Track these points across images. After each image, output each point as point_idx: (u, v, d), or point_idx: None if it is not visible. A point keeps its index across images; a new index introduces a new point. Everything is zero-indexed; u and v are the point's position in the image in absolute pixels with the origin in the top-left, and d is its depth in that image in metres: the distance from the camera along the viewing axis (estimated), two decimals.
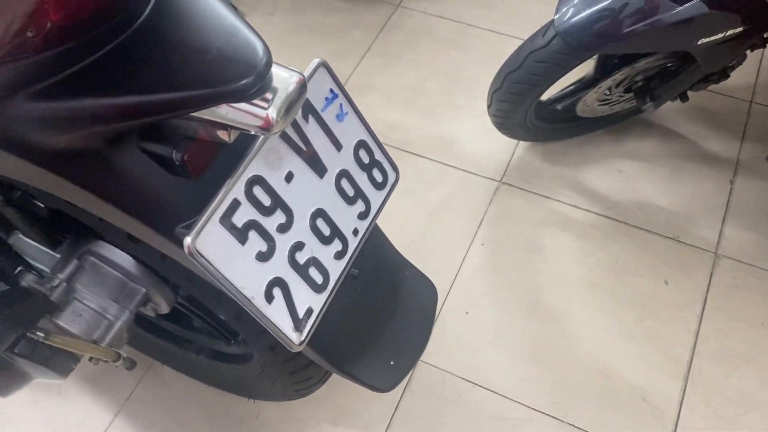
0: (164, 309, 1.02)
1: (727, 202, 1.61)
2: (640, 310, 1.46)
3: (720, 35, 1.26)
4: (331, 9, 2.12)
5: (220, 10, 0.63)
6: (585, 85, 1.53)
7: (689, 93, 1.59)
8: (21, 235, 1.02)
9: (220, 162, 0.69)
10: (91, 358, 0.98)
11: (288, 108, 0.62)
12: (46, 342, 0.90)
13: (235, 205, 0.69)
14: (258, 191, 0.71)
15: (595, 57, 1.45)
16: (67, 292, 0.95)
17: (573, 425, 1.33)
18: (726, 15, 1.23)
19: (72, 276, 0.95)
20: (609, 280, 1.51)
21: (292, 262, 0.77)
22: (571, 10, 1.25)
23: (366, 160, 0.84)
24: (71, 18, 0.55)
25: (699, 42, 1.26)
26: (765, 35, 1.38)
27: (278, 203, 0.74)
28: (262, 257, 0.73)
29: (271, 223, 0.73)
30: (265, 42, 0.61)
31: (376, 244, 1.02)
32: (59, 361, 0.98)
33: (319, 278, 0.80)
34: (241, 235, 0.70)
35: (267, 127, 0.61)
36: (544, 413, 1.35)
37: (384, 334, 1.01)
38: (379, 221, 0.91)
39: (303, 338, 0.79)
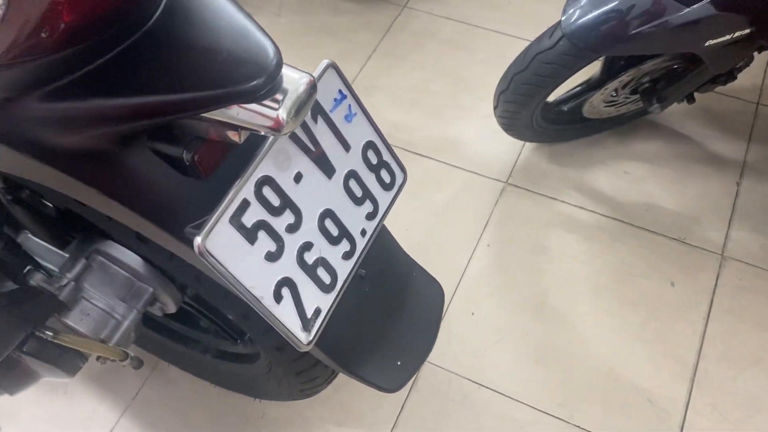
0: (171, 308, 1.03)
1: (733, 203, 1.61)
2: (646, 312, 1.46)
3: (727, 37, 1.25)
4: (337, 10, 2.12)
5: (230, 11, 0.64)
6: (591, 86, 1.53)
7: (696, 94, 1.59)
8: (30, 235, 1.02)
9: (230, 162, 0.70)
10: (98, 357, 0.99)
11: (298, 109, 0.62)
12: (55, 341, 0.91)
13: (245, 205, 0.69)
14: (267, 191, 0.71)
15: (601, 58, 1.45)
16: (76, 292, 0.95)
17: (578, 427, 1.33)
18: (733, 17, 1.23)
19: (80, 275, 0.95)
20: (615, 282, 1.51)
21: (301, 262, 0.77)
22: (578, 12, 1.25)
23: (374, 160, 0.84)
24: (84, 19, 0.56)
25: (706, 44, 1.26)
26: None
27: (287, 203, 0.74)
28: (271, 257, 0.73)
29: (280, 223, 0.74)
30: (275, 43, 0.61)
31: (383, 245, 1.02)
32: (67, 360, 0.98)
33: (327, 278, 0.80)
34: (250, 235, 0.70)
35: (277, 127, 0.61)
36: (549, 414, 1.35)
37: (391, 335, 1.02)
38: (384, 222, 0.91)
39: (311, 338, 0.79)
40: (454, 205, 1.65)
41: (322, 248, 0.79)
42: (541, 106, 1.49)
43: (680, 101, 1.60)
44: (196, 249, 0.66)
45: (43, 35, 0.53)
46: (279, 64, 0.60)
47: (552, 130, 1.65)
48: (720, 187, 1.64)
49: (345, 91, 0.78)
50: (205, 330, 1.25)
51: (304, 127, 0.74)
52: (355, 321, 0.96)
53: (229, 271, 0.69)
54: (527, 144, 1.74)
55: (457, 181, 1.70)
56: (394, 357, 1.02)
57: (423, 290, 1.08)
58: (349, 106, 0.79)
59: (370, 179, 0.84)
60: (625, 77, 1.45)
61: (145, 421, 1.39)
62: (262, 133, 0.63)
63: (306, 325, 0.78)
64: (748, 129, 1.74)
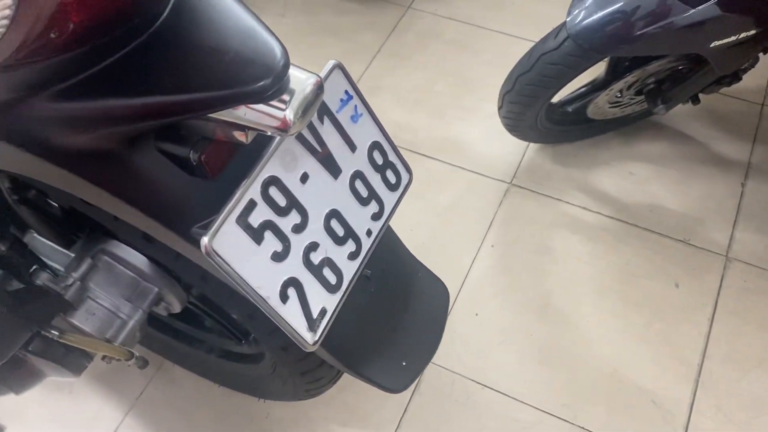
0: (176, 308, 1.03)
1: (738, 205, 1.61)
2: (651, 313, 1.46)
3: (733, 38, 1.25)
4: (341, 10, 2.12)
5: (238, 12, 0.64)
6: (596, 87, 1.53)
7: (701, 96, 1.58)
8: (36, 234, 1.02)
9: (236, 163, 0.70)
10: (104, 357, 0.99)
11: (305, 109, 0.62)
12: (60, 340, 0.91)
13: (252, 205, 0.69)
14: (274, 192, 0.71)
15: (606, 59, 1.45)
16: (81, 291, 0.95)
17: (583, 428, 1.33)
18: (739, 18, 1.22)
19: (86, 275, 0.96)
20: (619, 283, 1.51)
21: (307, 262, 0.77)
22: (583, 13, 1.25)
23: (380, 161, 0.84)
24: (92, 20, 0.56)
25: (711, 45, 1.26)
26: None
27: (293, 204, 0.74)
28: (278, 257, 0.73)
29: (286, 223, 0.74)
30: (282, 44, 0.62)
31: (388, 246, 1.02)
32: (73, 360, 0.99)
33: (333, 278, 0.81)
34: (257, 235, 0.71)
35: (284, 128, 0.61)
36: (553, 415, 1.35)
37: (396, 335, 1.02)
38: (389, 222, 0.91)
39: (317, 338, 0.79)
40: (458, 206, 1.65)
41: (328, 248, 0.79)
42: (546, 106, 1.49)
43: (685, 102, 1.60)
44: (203, 249, 0.66)
45: (52, 36, 0.53)
46: (286, 65, 0.60)
47: (556, 130, 1.65)
48: (725, 189, 1.63)
49: (351, 92, 0.78)
50: (210, 330, 1.25)
51: (311, 127, 0.75)
52: (360, 321, 0.96)
53: (235, 271, 0.69)
54: (531, 145, 1.74)
55: (461, 181, 1.70)
56: (399, 357, 1.02)
57: (428, 291, 1.08)
58: (356, 106, 0.79)
59: (375, 180, 0.84)
60: (630, 78, 1.45)
61: (149, 420, 1.39)
62: (269, 134, 0.63)
63: (312, 325, 0.79)
64: (753, 130, 1.73)
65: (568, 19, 1.27)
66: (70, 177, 0.66)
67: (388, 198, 0.86)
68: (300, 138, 0.73)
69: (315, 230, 0.77)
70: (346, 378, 1.13)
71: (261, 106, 0.61)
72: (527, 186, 1.67)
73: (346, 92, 0.78)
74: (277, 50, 0.60)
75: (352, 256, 0.83)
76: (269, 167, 0.70)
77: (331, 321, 0.81)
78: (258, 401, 1.39)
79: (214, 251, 0.66)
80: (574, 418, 1.34)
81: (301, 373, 1.06)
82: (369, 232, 0.85)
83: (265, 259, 0.72)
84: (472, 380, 1.40)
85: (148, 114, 0.61)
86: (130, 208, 0.69)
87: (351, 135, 0.79)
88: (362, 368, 0.97)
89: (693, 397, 1.35)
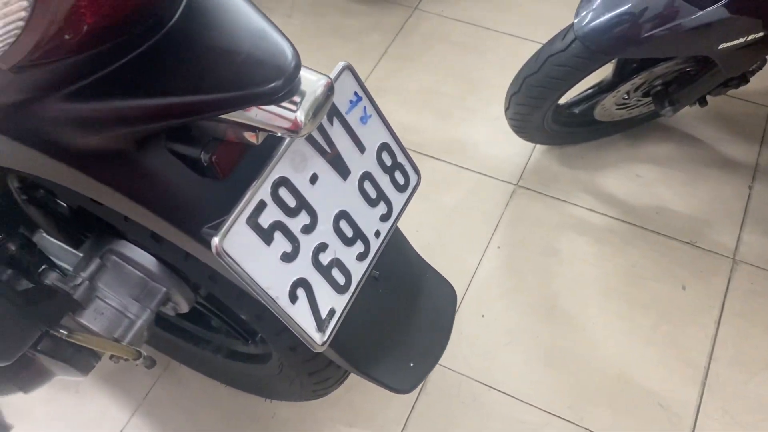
0: (184, 308, 1.03)
1: (745, 207, 1.61)
2: (657, 315, 1.46)
3: (741, 40, 1.25)
4: (348, 11, 2.13)
5: (249, 13, 0.64)
6: (603, 89, 1.53)
7: (708, 97, 1.58)
8: (45, 234, 1.03)
9: (246, 163, 0.70)
10: (111, 356, 0.99)
11: (316, 111, 0.62)
12: (69, 339, 0.92)
13: (262, 206, 0.70)
14: (284, 192, 0.72)
15: (613, 61, 1.45)
16: (90, 291, 0.96)
17: (588, 430, 1.33)
18: (747, 20, 1.22)
19: (94, 274, 0.96)
20: (626, 285, 1.50)
21: (316, 263, 0.77)
22: (590, 14, 1.25)
23: (388, 162, 0.84)
24: (106, 21, 0.56)
25: (719, 47, 1.26)
26: None
27: (303, 204, 0.74)
28: (287, 258, 0.74)
29: (295, 224, 0.74)
30: (293, 45, 0.62)
31: (396, 247, 1.02)
32: (81, 359, 0.99)
33: (341, 279, 0.81)
34: (266, 235, 0.71)
35: (295, 129, 0.61)
36: (559, 417, 1.35)
37: (404, 336, 1.02)
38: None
39: (326, 338, 0.79)
40: (465, 207, 1.65)
41: (336, 249, 0.80)
42: (553, 108, 1.49)
43: (692, 104, 1.60)
44: (213, 249, 0.66)
45: (66, 37, 0.53)
46: (297, 67, 0.60)
47: (563, 132, 1.65)
48: (732, 191, 1.63)
49: (360, 93, 0.79)
50: (217, 330, 1.25)
51: (320, 128, 0.75)
52: (368, 322, 0.96)
53: (245, 272, 0.69)
54: (538, 146, 1.74)
55: (468, 183, 1.70)
56: (407, 358, 1.02)
57: (435, 292, 1.08)
58: (365, 108, 0.80)
59: (384, 181, 0.84)
60: (637, 80, 1.45)
61: (155, 420, 1.39)
62: (280, 135, 0.63)
63: (320, 325, 0.79)
64: (761, 132, 1.73)
65: (575, 21, 1.27)
66: (82, 177, 0.67)
67: (397, 199, 0.86)
68: (309, 139, 0.74)
69: (324, 231, 0.78)
70: (353, 378, 1.13)
71: (272, 108, 0.61)
72: (534, 187, 1.67)
73: (356, 94, 0.78)
74: (289, 52, 0.61)
75: (361, 257, 0.83)
76: (279, 168, 0.71)
77: (340, 321, 0.81)
78: (264, 401, 1.39)
79: (225, 251, 0.67)
80: (581, 420, 1.34)
81: (309, 373, 1.06)
82: (377, 233, 0.85)
83: (275, 260, 0.72)
84: (478, 381, 1.40)
85: (160, 115, 0.61)
86: (141, 208, 0.69)
87: (360, 136, 0.80)
88: (370, 369, 0.97)
89: (700, 400, 1.35)
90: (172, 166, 0.68)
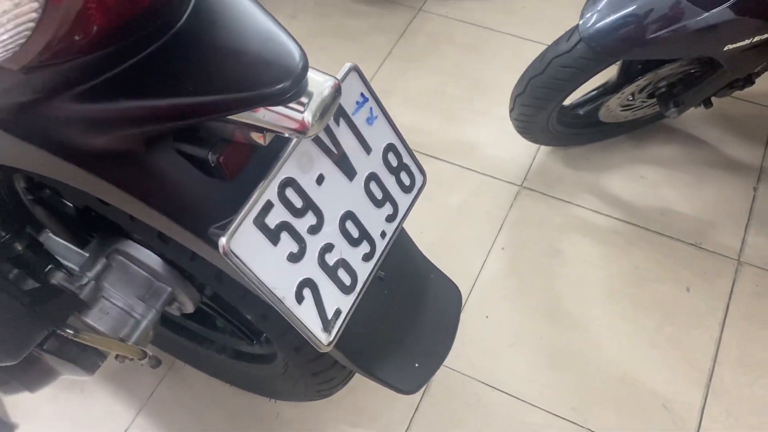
0: (189, 308, 1.03)
1: (750, 209, 1.60)
2: (661, 317, 1.46)
3: (746, 41, 1.25)
4: (352, 12, 2.13)
5: (257, 14, 0.64)
6: (608, 90, 1.53)
7: (713, 99, 1.58)
8: (51, 234, 1.03)
9: (253, 164, 0.70)
10: (117, 356, 1.00)
11: (323, 112, 0.62)
12: (75, 339, 0.92)
13: (269, 206, 0.70)
14: (290, 193, 0.72)
15: (618, 62, 1.45)
16: (96, 291, 0.96)
17: (592, 431, 1.33)
18: (753, 21, 1.22)
19: (100, 274, 0.97)
20: (630, 286, 1.50)
21: (322, 263, 0.77)
22: (595, 16, 1.25)
23: (394, 163, 0.84)
24: (115, 22, 0.57)
25: (725, 48, 1.25)
26: None
27: (309, 205, 0.74)
28: (294, 258, 0.74)
29: (302, 224, 0.74)
30: (301, 46, 0.62)
31: (402, 247, 1.02)
32: (86, 358, 0.99)
33: (347, 279, 0.81)
34: (273, 236, 0.71)
35: (302, 130, 0.62)
36: (563, 418, 1.35)
37: (409, 336, 1.02)
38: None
39: (331, 339, 0.79)
40: (469, 208, 1.66)
41: (342, 250, 0.80)
42: (558, 109, 1.49)
43: (697, 106, 1.59)
44: (220, 249, 0.66)
45: (76, 38, 0.54)
46: (305, 68, 0.60)
47: (568, 133, 1.65)
48: (737, 192, 1.63)
49: (367, 94, 0.79)
50: (222, 330, 1.26)
51: (327, 129, 0.75)
52: (373, 322, 0.96)
53: (252, 272, 0.69)
54: (542, 147, 1.74)
55: (472, 184, 1.70)
56: (412, 359, 1.02)
57: (441, 293, 1.08)
58: (371, 109, 0.80)
59: (390, 181, 0.84)
60: (642, 81, 1.45)
61: (160, 420, 1.40)
62: (287, 135, 0.63)
63: (326, 325, 0.79)
64: (766, 134, 1.73)
65: (580, 22, 1.27)
66: (90, 177, 0.67)
67: (403, 200, 0.87)
68: (316, 140, 0.74)
69: (330, 231, 0.78)
70: (357, 379, 1.13)
71: (280, 108, 0.61)
72: (538, 189, 1.67)
73: (362, 95, 0.78)
74: (296, 53, 0.61)
75: (367, 257, 0.83)
76: (286, 168, 0.71)
77: (346, 322, 0.82)
78: (268, 401, 1.40)
79: (232, 252, 0.67)
80: (584, 422, 1.34)
81: (313, 373, 1.06)
82: (383, 234, 0.85)
83: (282, 260, 0.73)
84: (482, 382, 1.40)
85: (169, 116, 0.61)
86: (148, 208, 0.69)
87: (366, 137, 0.80)
88: (375, 369, 0.97)
89: (704, 402, 1.35)
90: (179, 166, 0.68)
